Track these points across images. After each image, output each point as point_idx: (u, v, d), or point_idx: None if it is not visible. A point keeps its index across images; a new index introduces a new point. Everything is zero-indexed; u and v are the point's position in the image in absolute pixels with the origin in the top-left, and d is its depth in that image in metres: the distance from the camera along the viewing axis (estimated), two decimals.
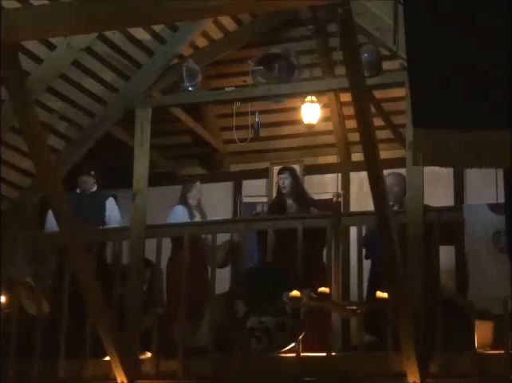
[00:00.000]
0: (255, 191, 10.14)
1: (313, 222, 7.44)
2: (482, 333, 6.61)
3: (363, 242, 7.20)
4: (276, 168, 9.72)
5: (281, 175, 8.17)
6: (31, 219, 8.99)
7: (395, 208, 7.44)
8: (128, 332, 7.32)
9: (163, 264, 7.84)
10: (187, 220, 8.09)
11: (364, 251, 7.30)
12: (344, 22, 5.34)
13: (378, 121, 8.56)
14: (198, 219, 8.17)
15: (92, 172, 8.39)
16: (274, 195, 8.70)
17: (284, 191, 8.07)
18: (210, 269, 7.58)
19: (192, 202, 8.26)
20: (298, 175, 8.37)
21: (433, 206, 7.22)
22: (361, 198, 9.08)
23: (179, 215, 8.13)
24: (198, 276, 7.54)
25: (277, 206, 8.17)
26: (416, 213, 6.84)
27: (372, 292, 6.72)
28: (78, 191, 8.41)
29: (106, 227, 8.12)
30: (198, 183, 8.38)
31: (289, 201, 8.04)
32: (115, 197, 8.28)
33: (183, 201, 8.25)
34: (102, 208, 8.26)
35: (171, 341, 7.48)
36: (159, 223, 8.03)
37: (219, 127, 10.20)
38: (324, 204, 8.68)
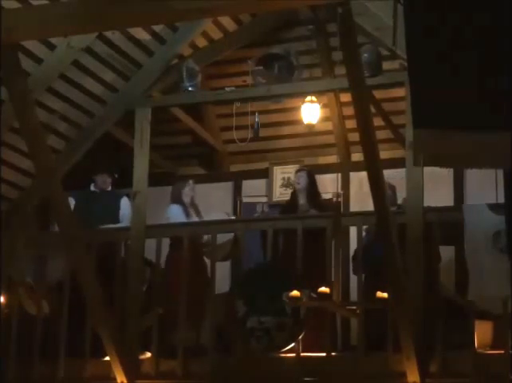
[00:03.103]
0: (255, 191, 10.14)
1: (313, 222, 7.45)
2: (482, 333, 6.61)
3: (355, 256, 7.19)
4: (276, 168, 9.75)
5: (298, 174, 8.19)
6: (31, 219, 8.99)
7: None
8: (128, 332, 7.32)
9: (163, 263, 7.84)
10: (183, 218, 8.09)
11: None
12: (344, 22, 5.34)
13: (378, 121, 8.55)
14: (193, 216, 8.18)
15: (116, 175, 8.40)
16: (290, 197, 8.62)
17: (297, 187, 8.06)
18: (209, 267, 7.57)
19: (186, 200, 8.26)
20: (315, 178, 8.34)
21: (433, 206, 7.22)
22: (361, 198, 9.08)
23: (176, 213, 8.13)
24: (195, 275, 7.53)
25: (289, 206, 8.15)
26: (416, 213, 6.84)
27: (366, 299, 6.73)
28: (93, 188, 8.41)
29: (119, 225, 8.10)
30: (191, 182, 8.39)
31: (302, 201, 8.03)
32: (128, 196, 8.27)
33: (177, 199, 8.25)
34: (116, 207, 8.26)
35: (169, 340, 7.48)
36: (159, 223, 8.03)
37: (219, 127, 10.21)
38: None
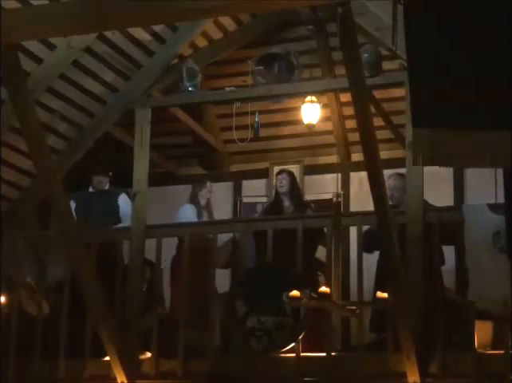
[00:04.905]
0: (255, 191, 10.14)
1: (313, 222, 7.45)
2: (482, 333, 6.61)
3: (365, 235, 7.16)
4: (276, 168, 9.74)
5: (279, 176, 8.19)
6: (31, 219, 8.99)
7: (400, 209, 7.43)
8: (128, 332, 7.32)
9: (163, 264, 7.83)
10: (195, 219, 8.09)
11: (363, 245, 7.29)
12: (344, 22, 5.34)
13: (378, 121, 8.56)
14: (205, 217, 8.19)
15: (110, 173, 8.40)
16: (273, 198, 8.66)
17: (281, 191, 8.08)
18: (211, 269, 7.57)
19: (202, 201, 8.27)
20: (296, 178, 8.39)
21: (433, 205, 7.23)
22: (361, 198, 9.08)
23: (188, 213, 8.13)
24: (203, 275, 7.51)
25: (274, 208, 8.16)
26: (416, 213, 6.84)
27: (380, 285, 6.72)
28: (91, 189, 8.41)
29: (122, 223, 8.10)
30: (208, 184, 8.40)
31: (287, 203, 8.05)
32: (127, 193, 8.27)
33: (193, 200, 8.27)
34: (115, 205, 8.26)
35: (173, 341, 7.46)
36: (159, 223, 8.02)
37: (219, 127, 10.21)
38: (319, 206, 8.67)
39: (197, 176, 9.74)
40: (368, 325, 7.29)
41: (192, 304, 7.32)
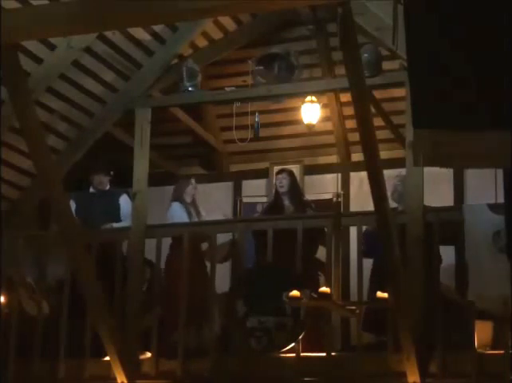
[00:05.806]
0: (255, 191, 10.14)
1: (313, 222, 7.45)
2: (482, 333, 6.61)
3: (362, 239, 7.17)
4: (276, 168, 9.74)
5: (279, 176, 8.19)
6: (31, 219, 8.99)
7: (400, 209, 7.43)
8: (128, 332, 7.32)
9: (163, 264, 7.84)
10: (185, 216, 8.09)
11: (363, 249, 7.29)
12: (344, 22, 5.34)
13: (378, 121, 8.56)
14: (193, 215, 8.18)
15: (112, 172, 8.39)
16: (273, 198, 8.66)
17: (281, 191, 8.07)
18: (209, 267, 7.57)
19: (188, 199, 8.26)
20: (296, 177, 8.39)
21: (433, 206, 7.22)
22: (361, 198, 9.08)
23: (178, 211, 8.13)
24: (196, 274, 7.52)
25: (274, 208, 8.16)
26: (416, 213, 6.84)
27: (373, 292, 6.72)
28: (92, 189, 8.41)
29: (122, 223, 8.09)
30: (193, 181, 8.39)
31: (287, 202, 8.04)
32: (127, 193, 8.26)
33: (179, 198, 8.25)
34: (116, 206, 8.25)
35: (169, 340, 7.47)
36: (159, 223, 8.03)
37: (219, 127, 10.21)
38: (319, 206, 8.67)
39: (197, 176, 9.74)
40: (361, 324, 7.27)
41: (188, 303, 7.32)
